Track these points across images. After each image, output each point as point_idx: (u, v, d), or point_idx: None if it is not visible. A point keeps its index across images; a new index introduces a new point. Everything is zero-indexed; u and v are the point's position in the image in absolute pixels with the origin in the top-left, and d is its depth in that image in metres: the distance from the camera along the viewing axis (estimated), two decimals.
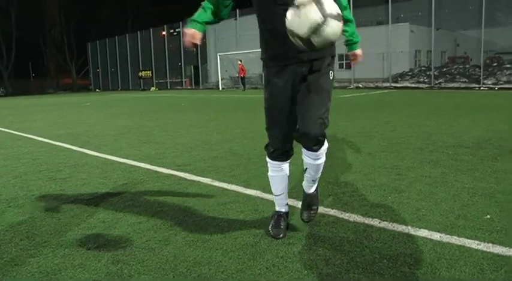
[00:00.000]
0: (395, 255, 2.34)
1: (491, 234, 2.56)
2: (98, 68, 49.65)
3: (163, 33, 40.25)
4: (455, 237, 2.54)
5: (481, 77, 22.45)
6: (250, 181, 4.00)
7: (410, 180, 3.82)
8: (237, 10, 33.14)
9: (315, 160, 2.63)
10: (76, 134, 8.13)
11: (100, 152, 6.04)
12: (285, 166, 2.74)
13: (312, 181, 2.79)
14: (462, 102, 13.08)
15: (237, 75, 28.11)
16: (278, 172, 2.73)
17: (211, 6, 2.62)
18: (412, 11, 26.54)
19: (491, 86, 21.73)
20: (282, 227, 2.71)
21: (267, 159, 2.75)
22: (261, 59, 2.65)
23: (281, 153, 2.66)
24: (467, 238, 2.52)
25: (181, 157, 5.41)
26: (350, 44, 2.74)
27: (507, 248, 2.37)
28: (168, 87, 39.82)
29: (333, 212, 3.06)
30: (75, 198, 3.70)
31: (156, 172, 4.66)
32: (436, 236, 2.57)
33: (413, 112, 9.96)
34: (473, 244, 2.44)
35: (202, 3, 2.64)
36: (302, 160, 2.71)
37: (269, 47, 2.55)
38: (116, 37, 45.70)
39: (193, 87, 37.70)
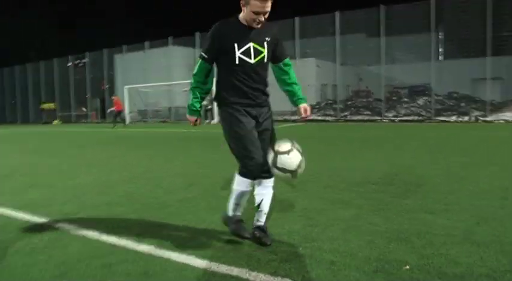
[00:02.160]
0: None
1: None
2: None
3: (69, 64, 38.40)
4: None
5: (383, 110, 23.66)
6: (144, 235, 3.46)
7: (322, 226, 3.52)
8: (145, 43, 32.53)
9: (270, 188, 3.23)
10: None
11: None
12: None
13: (265, 214, 3.22)
14: (367, 135, 13.47)
15: (112, 109, 24.88)
16: (248, 187, 3.16)
17: (199, 87, 3.19)
18: (318, 47, 27.59)
19: (392, 118, 22.95)
20: (245, 227, 3.17)
21: (242, 179, 3.12)
22: (223, 102, 3.17)
23: (260, 171, 3.09)
24: None
25: (70, 203, 4.74)
26: (298, 98, 3.32)
27: None
28: (73, 120, 37.81)
29: (236, 271, 2.63)
30: None
31: (35, 224, 3.97)
32: None
33: (321, 147, 9.96)
34: None
35: (193, 87, 3.20)
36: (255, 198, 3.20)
37: (237, 94, 3.12)
38: (16, 66, 42.82)
39: (100, 120, 36.08)
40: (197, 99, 3.19)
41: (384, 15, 23.51)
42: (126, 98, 30.98)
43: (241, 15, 3.04)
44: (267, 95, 3.24)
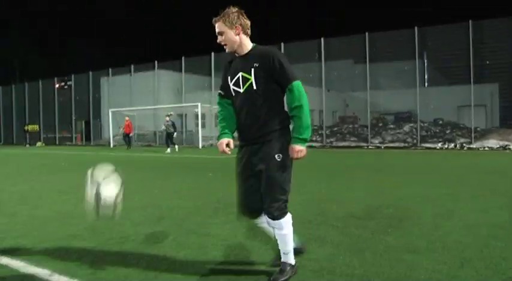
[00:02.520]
0: None
1: None
2: None
3: (56, 85, 37.98)
4: None
5: (369, 136, 23.58)
6: (99, 273, 3.16)
7: None
8: (132, 66, 32.37)
9: (276, 230, 3.01)
10: None
11: None
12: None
13: (282, 252, 3.06)
14: (352, 163, 13.27)
15: (122, 132, 25.81)
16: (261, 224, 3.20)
17: (224, 120, 3.16)
18: (304, 72, 27.67)
19: (378, 144, 22.84)
20: None
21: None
22: None
23: (249, 215, 3.15)
24: None
25: (28, 237, 4.39)
26: (292, 137, 2.96)
27: None
28: (57, 142, 37.19)
29: None
30: None
31: None
32: None
33: (304, 175, 9.70)
34: None
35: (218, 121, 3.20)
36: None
37: (238, 130, 3.12)
38: (0, 88, 42.29)
39: (84, 143, 35.57)
40: (222, 128, 3.13)
41: (369, 42, 23.64)
42: (110, 121, 30.64)
43: None
44: (271, 128, 2.91)
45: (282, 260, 3.05)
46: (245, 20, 3.01)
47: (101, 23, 66.84)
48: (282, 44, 25.70)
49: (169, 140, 20.85)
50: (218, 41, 3.01)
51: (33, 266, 3.43)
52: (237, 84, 2.97)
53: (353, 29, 23.74)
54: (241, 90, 2.94)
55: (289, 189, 2.97)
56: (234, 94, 3.02)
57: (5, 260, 3.60)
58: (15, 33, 52.90)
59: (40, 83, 38.84)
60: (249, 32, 3.04)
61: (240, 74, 2.95)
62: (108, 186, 3.08)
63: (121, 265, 3.39)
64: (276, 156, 2.88)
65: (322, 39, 24.72)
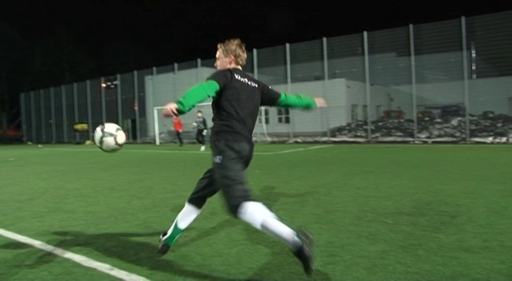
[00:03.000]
0: None
1: None
2: (31, 120, 47.41)
3: (103, 85, 39.18)
4: None
5: (415, 131, 23.07)
6: (156, 270, 3.28)
7: (345, 263, 3.25)
8: (175, 64, 32.94)
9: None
10: None
11: None
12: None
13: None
14: (399, 158, 13.04)
15: (172, 130, 26.27)
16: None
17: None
18: (348, 67, 27.35)
19: (424, 139, 22.31)
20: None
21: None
22: None
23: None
24: None
25: (86, 232, 4.60)
26: (308, 108, 3.80)
27: None
28: None
29: None
30: None
31: (48, 254, 3.84)
32: None
33: (351, 170, 9.63)
34: None
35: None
36: None
37: None
38: (51, 88, 44.05)
39: (131, 141, 36.52)
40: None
41: (413, 34, 23.09)
42: (155, 119, 31.31)
43: None
44: (213, 136, 3.27)
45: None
46: (241, 52, 3.41)
47: (144, 23, 68.26)
48: (325, 39, 25.50)
49: (200, 137, 20.47)
50: (215, 64, 3.50)
51: (94, 260, 3.61)
52: None
53: (396, 21, 23.23)
54: None
55: (234, 182, 3.04)
56: None
57: (68, 255, 3.79)
58: (64, 35, 54.76)
59: (88, 83, 40.18)
60: (241, 62, 3.43)
61: None
62: (111, 126, 3.69)
63: (176, 261, 3.51)
64: (215, 159, 3.20)
65: (365, 33, 24.34)
